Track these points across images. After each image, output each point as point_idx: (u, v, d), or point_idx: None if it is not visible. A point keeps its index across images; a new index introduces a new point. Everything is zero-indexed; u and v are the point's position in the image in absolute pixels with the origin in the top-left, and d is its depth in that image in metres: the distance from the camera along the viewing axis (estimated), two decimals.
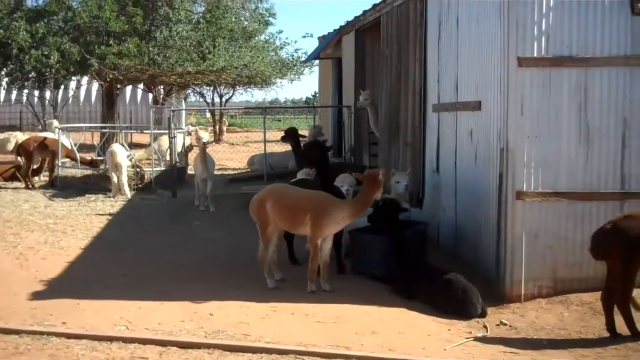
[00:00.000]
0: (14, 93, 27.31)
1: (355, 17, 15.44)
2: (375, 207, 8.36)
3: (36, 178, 16.44)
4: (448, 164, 9.58)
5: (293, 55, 28.83)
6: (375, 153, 14.26)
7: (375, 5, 13.49)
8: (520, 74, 7.50)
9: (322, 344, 6.10)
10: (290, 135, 13.22)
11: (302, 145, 12.29)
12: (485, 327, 6.96)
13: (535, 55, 7.49)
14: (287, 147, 14.26)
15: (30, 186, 15.88)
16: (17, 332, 6.23)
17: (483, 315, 7.23)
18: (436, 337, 6.58)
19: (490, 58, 8.10)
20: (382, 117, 12.94)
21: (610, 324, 6.52)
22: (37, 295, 7.62)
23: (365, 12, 14.46)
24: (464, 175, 9.02)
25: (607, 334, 6.58)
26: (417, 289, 7.66)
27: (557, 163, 7.57)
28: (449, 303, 7.30)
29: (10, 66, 19.84)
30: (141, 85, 28.07)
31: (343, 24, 17.05)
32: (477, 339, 6.59)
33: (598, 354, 6.17)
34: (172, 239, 10.87)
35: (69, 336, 6.13)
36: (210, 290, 7.73)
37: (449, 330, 6.85)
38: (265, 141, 17.05)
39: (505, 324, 7.04)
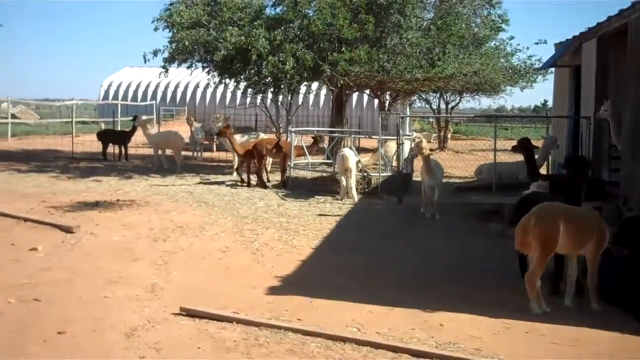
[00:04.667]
0: (249, 97, 28.87)
1: (598, 24, 14.58)
2: (619, 225, 7.78)
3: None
4: None
5: (526, 63, 27.94)
6: (616, 168, 13.34)
7: (621, 11, 12.62)
8: None
9: None
10: (523, 145, 12.74)
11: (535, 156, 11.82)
12: None
13: None
14: (516, 157, 13.76)
15: (263, 185, 16.75)
16: (257, 324, 6.52)
17: None
18: None
19: None
20: (627, 130, 12.06)
21: None
22: (272, 290, 7.94)
23: (609, 17, 13.58)
24: None
25: None
26: None
27: None
28: None
29: (250, 71, 20.88)
30: (368, 91, 28.51)
31: (583, 30, 16.18)
32: None
33: None
34: (398, 244, 10.90)
35: (304, 333, 6.31)
36: (439, 300, 7.63)
37: None
38: (495, 150, 16.64)
39: None
